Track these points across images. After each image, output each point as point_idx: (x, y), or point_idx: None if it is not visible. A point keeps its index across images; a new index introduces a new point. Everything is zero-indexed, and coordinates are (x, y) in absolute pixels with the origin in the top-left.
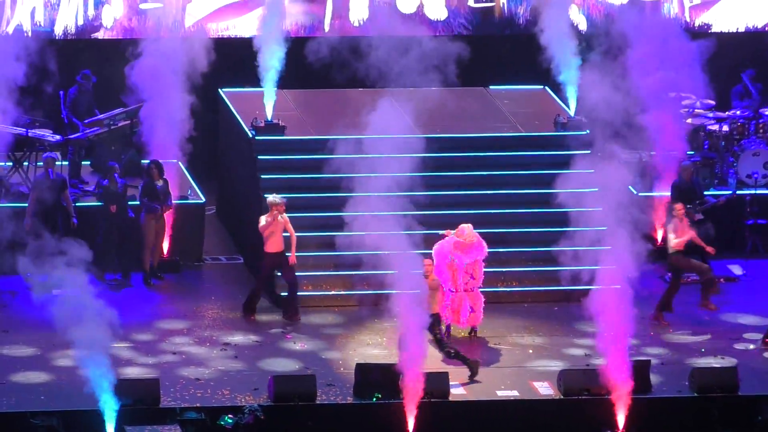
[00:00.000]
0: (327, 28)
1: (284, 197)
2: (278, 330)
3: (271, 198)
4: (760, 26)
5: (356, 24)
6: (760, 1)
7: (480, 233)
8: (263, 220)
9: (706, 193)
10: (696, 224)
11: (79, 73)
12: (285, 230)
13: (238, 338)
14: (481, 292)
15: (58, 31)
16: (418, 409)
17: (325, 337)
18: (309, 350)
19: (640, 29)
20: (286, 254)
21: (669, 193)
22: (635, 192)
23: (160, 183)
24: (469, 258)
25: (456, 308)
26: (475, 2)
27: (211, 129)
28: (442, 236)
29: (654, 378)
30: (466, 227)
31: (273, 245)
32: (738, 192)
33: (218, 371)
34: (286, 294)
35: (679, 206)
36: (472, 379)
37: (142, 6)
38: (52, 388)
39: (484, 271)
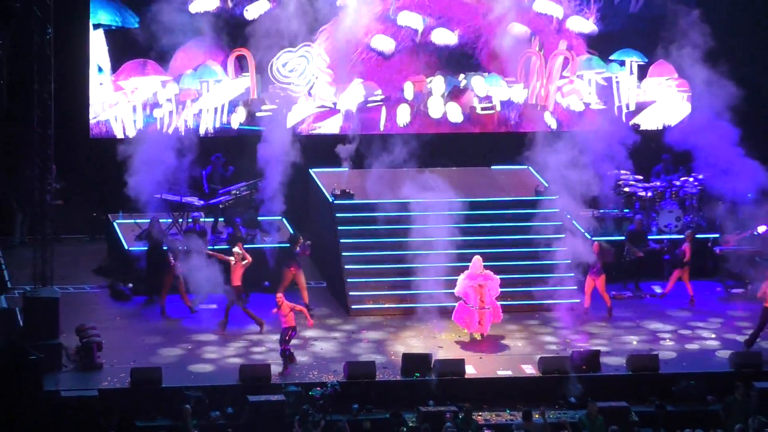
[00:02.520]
0: (382, 128)
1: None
2: (354, 330)
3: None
4: (671, 125)
5: (402, 125)
6: (671, 109)
7: (487, 266)
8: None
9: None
10: (637, 259)
11: (213, 155)
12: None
13: (322, 336)
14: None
15: (202, 131)
16: (444, 384)
17: (382, 335)
18: (371, 344)
19: (594, 129)
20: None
21: (620, 237)
22: (589, 237)
23: (298, 249)
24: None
25: (469, 320)
26: (481, 110)
27: (303, 196)
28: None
29: (601, 362)
30: (475, 260)
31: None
32: (664, 237)
33: (309, 358)
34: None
35: None
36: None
37: (258, 114)
38: (200, 370)
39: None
